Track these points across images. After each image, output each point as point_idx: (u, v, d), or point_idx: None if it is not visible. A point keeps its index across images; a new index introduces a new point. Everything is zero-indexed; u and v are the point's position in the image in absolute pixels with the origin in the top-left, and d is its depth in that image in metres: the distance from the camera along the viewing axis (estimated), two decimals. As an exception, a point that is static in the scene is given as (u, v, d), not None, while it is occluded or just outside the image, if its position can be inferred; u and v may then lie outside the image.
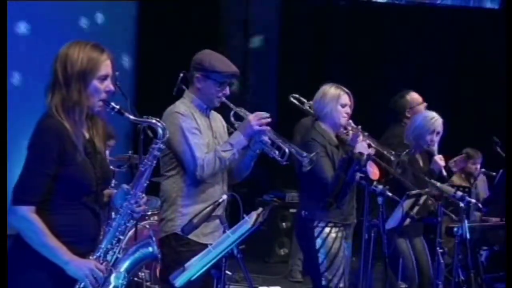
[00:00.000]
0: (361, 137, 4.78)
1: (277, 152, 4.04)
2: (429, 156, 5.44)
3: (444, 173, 5.35)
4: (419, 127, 5.39)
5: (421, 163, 5.41)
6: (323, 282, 4.68)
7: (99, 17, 8.74)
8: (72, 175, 2.97)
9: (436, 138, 5.38)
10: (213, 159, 3.97)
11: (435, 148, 5.36)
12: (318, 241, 4.67)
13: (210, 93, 4.09)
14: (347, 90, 4.85)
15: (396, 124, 5.96)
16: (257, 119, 4.03)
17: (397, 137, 5.63)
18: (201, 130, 4.05)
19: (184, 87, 4.29)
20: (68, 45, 3.04)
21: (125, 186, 3.13)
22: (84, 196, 3.02)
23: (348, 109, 4.82)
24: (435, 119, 5.39)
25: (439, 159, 5.30)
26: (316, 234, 4.68)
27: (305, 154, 4.18)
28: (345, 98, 4.81)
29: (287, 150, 4.04)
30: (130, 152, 6.38)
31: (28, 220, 2.91)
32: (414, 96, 6.11)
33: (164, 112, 4.06)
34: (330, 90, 4.83)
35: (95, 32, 8.32)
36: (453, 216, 5.24)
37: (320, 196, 4.63)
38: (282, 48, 9.84)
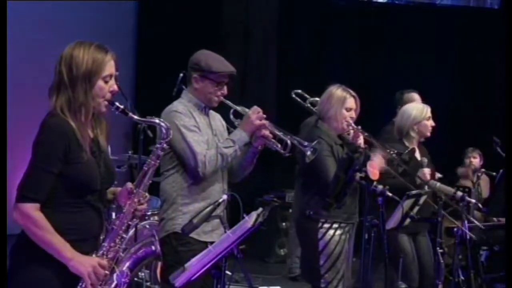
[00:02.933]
0: (361, 137, 4.78)
1: (279, 145, 4.05)
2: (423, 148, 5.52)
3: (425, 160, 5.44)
4: (416, 117, 5.43)
5: (418, 156, 5.43)
6: (322, 285, 4.68)
7: (100, 17, 8.74)
8: (77, 174, 2.99)
9: (433, 123, 5.51)
10: (215, 155, 3.98)
11: (425, 160, 5.39)
12: (321, 243, 4.67)
13: (208, 93, 4.10)
14: (354, 94, 4.81)
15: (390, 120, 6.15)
16: (257, 113, 4.04)
17: (388, 134, 5.73)
18: (200, 128, 4.06)
19: (184, 87, 4.30)
20: (72, 46, 3.06)
21: (129, 184, 3.15)
22: (88, 195, 3.04)
23: (353, 114, 4.80)
24: (426, 106, 5.52)
25: (427, 173, 5.31)
26: (320, 236, 4.67)
27: (306, 143, 4.16)
28: (351, 102, 4.78)
29: (289, 142, 4.05)
30: (130, 152, 6.38)
31: (32, 217, 2.92)
32: (415, 96, 6.26)
33: (162, 112, 4.07)
34: (337, 92, 4.80)
35: (95, 32, 8.32)
36: (454, 221, 5.26)
37: (324, 195, 4.62)
38: (282, 48, 9.84)
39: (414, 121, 5.43)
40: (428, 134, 5.48)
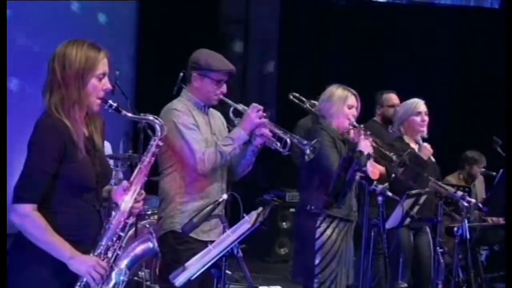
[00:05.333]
0: (362, 136, 4.78)
1: (278, 144, 4.05)
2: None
3: (433, 159, 5.42)
4: (406, 113, 5.41)
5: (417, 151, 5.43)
6: (315, 285, 4.68)
7: (100, 17, 8.75)
8: (73, 173, 2.98)
9: (426, 118, 5.42)
10: (214, 153, 3.98)
11: (419, 138, 5.39)
12: (318, 243, 4.67)
13: (207, 91, 4.11)
14: (354, 92, 4.84)
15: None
16: (256, 111, 4.04)
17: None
18: (199, 126, 4.06)
19: (184, 86, 4.31)
20: (66, 44, 3.06)
21: (124, 182, 3.15)
22: (84, 194, 3.04)
23: (354, 111, 4.82)
24: (416, 102, 5.44)
25: (428, 146, 5.34)
26: (317, 235, 4.67)
27: (306, 142, 4.16)
28: (352, 100, 4.81)
29: (288, 140, 4.04)
30: (130, 151, 6.38)
31: (30, 217, 2.92)
32: (390, 97, 6.33)
33: (161, 110, 4.08)
34: (338, 91, 4.83)
35: (95, 32, 8.32)
36: (456, 216, 5.25)
37: (325, 188, 4.62)
38: (282, 48, 9.84)
39: (402, 117, 5.43)
40: (421, 129, 5.37)
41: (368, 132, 4.84)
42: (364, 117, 5.01)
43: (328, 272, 4.67)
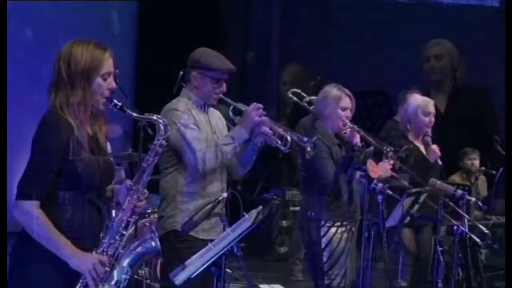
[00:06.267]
0: (358, 136, 4.78)
1: (279, 142, 4.05)
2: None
3: (440, 162, 5.41)
4: (416, 112, 5.41)
5: (423, 151, 5.42)
6: (326, 281, 4.69)
7: (101, 17, 8.76)
8: (77, 171, 2.99)
9: (433, 119, 5.45)
10: (215, 152, 3.98)
11: (429, 138, 5.39)
12: (324, 240, 4.68)
13: (207, 90, 4.11)
14: (349, 93, 4.81)
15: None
16: (257, 110, 4.04)
17: (388, 131, 5.71)
18: (199, 126, 4.06)
19: (184, 85, 4.31)
20: (71, 43, 3.07)
21: (128, 181, 3.16)
22: (88, 192, 3.05)
23: (348, 113, 4.79)
24: (427, 101, 5.48)
25: (436, 149, 5.34)
26: (322, 233, 4.68)
27: (306, 139, 4.16)
28: (346, 101, 4.78)
29: (288, 138, 4.04)
30: (130, 150, 6.38)
31: (33, 214, 2.93)
32: (413, 98, 6.29)
33: (162, 110, 4.08)
34: (332, 92, 4.81)
35: (95, 32, 8.34)
36: (453, 221, 5.26)
37: (323, 196, 4.64)
38: (282, 48, 9.85)
39: (411, 115, 5.43)
40: (426, 129, 5.40)
41: (362, 132, 4.81)
42: (365, 116, 5.01)
43: (338, 268, 4.68)
